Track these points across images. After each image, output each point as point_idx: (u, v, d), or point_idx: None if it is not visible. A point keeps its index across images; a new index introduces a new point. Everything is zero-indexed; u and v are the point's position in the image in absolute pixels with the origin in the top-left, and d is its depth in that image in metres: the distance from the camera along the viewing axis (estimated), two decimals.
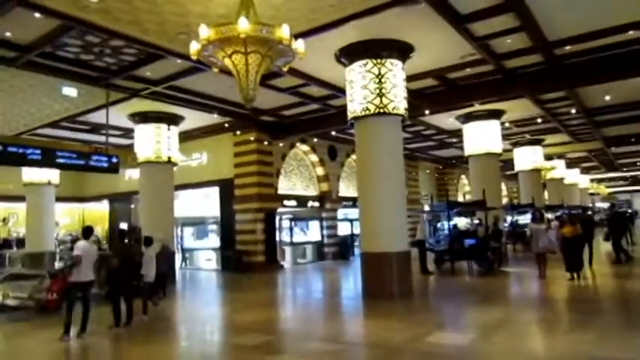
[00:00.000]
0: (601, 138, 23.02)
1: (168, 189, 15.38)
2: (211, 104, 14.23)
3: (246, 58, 6.86)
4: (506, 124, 18.60)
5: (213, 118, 15.79)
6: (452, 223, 14.33)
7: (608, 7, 9.11)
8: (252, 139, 17.04)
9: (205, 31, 6.47)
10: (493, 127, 17.25)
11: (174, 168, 16.13)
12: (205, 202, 19.36)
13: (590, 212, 30.98)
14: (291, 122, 16.88)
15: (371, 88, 9.98)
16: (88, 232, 7.54)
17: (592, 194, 52.24)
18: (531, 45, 10.52)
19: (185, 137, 17.55)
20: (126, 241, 9.14)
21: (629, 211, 26.77)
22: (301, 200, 19.69)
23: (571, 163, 32.96)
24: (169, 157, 15.09)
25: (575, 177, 37.04)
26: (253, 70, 6.99)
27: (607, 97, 14.20)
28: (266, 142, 17.23)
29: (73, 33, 8.84)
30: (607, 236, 17.93)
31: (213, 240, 19.06)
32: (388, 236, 9.93)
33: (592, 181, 46.85)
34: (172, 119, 15.17)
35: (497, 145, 17.40)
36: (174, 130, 15.43)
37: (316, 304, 10.17)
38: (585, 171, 39.36)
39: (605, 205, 47.90)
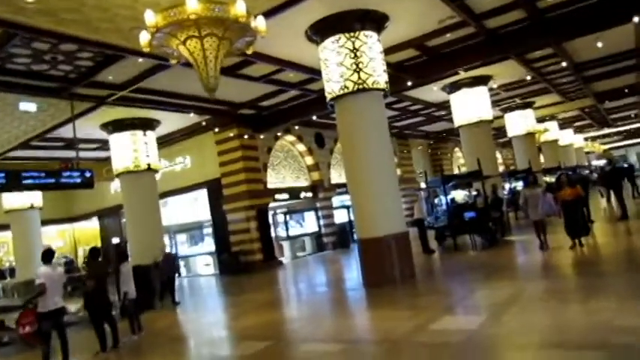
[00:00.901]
0: (592, 94, 22.49)
1: (152, 197, 14.73)
2: (186, 103, 13.55)
3: (201, 42, 6.22)
4: (495, 90, 17.99)
5: (191, 118, 15.13)
6: (449, 197, 13.75)
7: None
8: (233, 135, 16.37)
9: (152, 17, 5.81)
10: (481, 93, 16.65)
11: (157, 175, 15.52)
12: (195, 206, 18.76)
13: (586, 171, 30.56)
14: (271, 113, 16.23)
15: (347, 64, 9.33)
16: (48, 255, 6.80)
17: (588, 153, 51.91)
18: (511, 0, 9.89)
19: (165, 142, 16.94)
20: (100, 259, 8.50)
21: (626, 165, 26.30)
22: (293, 192, 19.10)
23: (564, 124, 32.46)
24: (149, 165, 14.42)
25: (569, 137, 36.56)
26: (212, 56, 6.35)
27: (599, 44, 13.51)
28: (246, 136, 16.49)
29: (17, 41, 8.14)
30: (607, 193, 17.57)
31: (209, 244, 18.48)
32: (383, 219, 9.36)
33: (586, 139, 46.45)
34: (147, 124, 14.48)
35: (487, 112, 16.82)
36: (151, 136, 14.74)
37: (317, 300, 9.62)
38: (579, 130, 38.90)
39: (602, 162, 47.57)
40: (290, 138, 19.22)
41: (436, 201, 15.54)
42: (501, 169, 28.13)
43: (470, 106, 16.61)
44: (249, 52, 7.03)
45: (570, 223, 9.77)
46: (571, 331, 4.92)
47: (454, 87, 16.50)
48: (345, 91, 9.40)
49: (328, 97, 9.85)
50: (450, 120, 19.09)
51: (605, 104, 27.09)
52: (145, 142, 14.42)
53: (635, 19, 10.17)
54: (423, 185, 22.60)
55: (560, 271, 8.25)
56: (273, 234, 18.16)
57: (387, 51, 10.96)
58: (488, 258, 10.90)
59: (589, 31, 12.54)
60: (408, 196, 26.04)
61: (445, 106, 18.81)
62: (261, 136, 17.09)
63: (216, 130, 16.47)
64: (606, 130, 43.84)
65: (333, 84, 9.59)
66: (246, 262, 16.13)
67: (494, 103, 18.69)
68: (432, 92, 17.18)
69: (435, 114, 21.66)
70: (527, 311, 6.01)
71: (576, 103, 24.68)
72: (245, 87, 12.94)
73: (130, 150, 14.11)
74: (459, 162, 32.24)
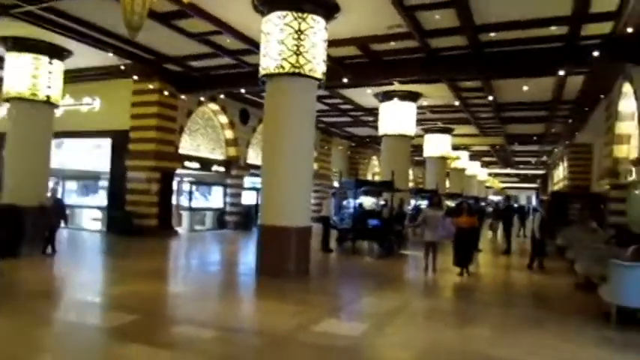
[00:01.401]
0: (504, 134, 24.20)
1: (44, 133, 13.20)
2: (106, 40, 12.22)
3: None
4: (422, 109, 18.57)
5: (109, 58, 13.71)
6: (358, 202, 13.91)
7: None
8: (153, 87, 15.15)
9: None
10: (409, 109, 17.12)
11: (57, 111, 13.94)
12: (96, 155, 17.14)
13: (483, 203, 32.94)
14: (200, 75, 15.27)
15: (288, 44, 8.91)
16: None
17: (488, 187, 56.23)
18: (458, 25, 10.12)
19: (75, 77, 15.24)
20: None
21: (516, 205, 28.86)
22: (205, 163, 18.26)
23: (473, 156, 34.71)
24: (49, 97, 12.89)
25: (475, 169, 39.26)
26: None
27: (525, 87, 14.40)
28: (167, 93, 15.32)
29: None
30: (495, 227, 19.04)
31: (101, 198, 17.03)
32: (290, 209, 9.11)
33: (489, 174, 50.23)
34: (56, 51, 12.91)
35: (411, 128, 17.34)
36: (59, 66, 13.18)
37: (204, 279, 9.12)
38: (485, 165, 41.89)
39: (498, 197, 51.73)
40: (214, 107, 18.32)
41: (345, 203, 15.66)
42: (411, 185, 29.40)
43: (396, 118, 17.01)
44: (187, 0, 6.37)
45: (459, 251, 9.86)
46: (448, 356, 5.01)
47: (386, 96, 16.76)
48: (280, 71, 8.98)
49: (262, 72, 9.36)
50: (375, 127, 19.44)
51: (513, 147, 29.40)
52: (49, 71, 12.86)
53: (561, 72, 10.90)
54: (336, 184, 22.79)
55: (444, 293, 8.58)
56: (174, 202, 17.24)
57: (331, 43, 10.67)
58: (382, 267, 11.13)
59: (518, 75, 13.35)
60: (320, 192, 26.23)
61: (374, 112, 19.10)
62: (183, 97, 15.99)
63: (135, 78, 15.13)
64: (507, 170, 47.82)
65: (269, 60, 9.12)
66: (139, 225, 15.06)
67: (419, 122, 19.32)
68: (365, 96, 17.32)
69: (362, 118, 21.93)
70: (410, 326, 6.09)
71: (489, 139, 26.48)
72: (177, 40, 11.96)
73: (28, 75, 12.49)
74: (374, 170, 33.17)
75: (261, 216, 9.45)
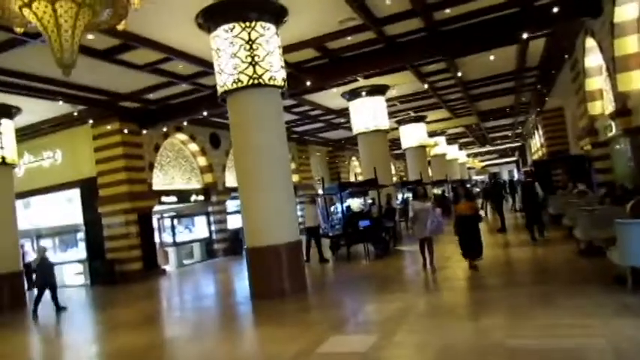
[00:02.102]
0: (476, 112, 24.13)
1: (6, 195, 12.51)
2: (53, 89, 11.65)
3: (52, 6, 5.02)
4: (392, 101, 18.33)
5: (61, 108, 13.14)
6: (345, 205, 13.49)
7: None
8: (113, 129, 14.55)
9: None
10: (379, 103, 16.84)
11: (17, 171, 13.29)
12: (68, 208, 16.40)
13: (468, 185, 32.88)
14: (159, 107, 14.75)
15: (242, 56, 8.50)
16: None
17: (469, 168, 56.45)
18: (411, 7, 9.85)
19: (30, 133, 14.65)
20: None
21: (511, 179, 28.89)
22: (183, 195, 17.66)
23: (450, 139, 34.68)
24: (3, 157, 12.23)
25: (454, 153, 39.25)
26: (67, 25, 5.18)
27: (492, 57, 14.15)
28: (126, 131, 14.71)
29: None
30: (488, 205, 18.86)
31: (81, 251, 16.27)
32: (275, 226, 8.65)
33: (469, 155, 50.40)
34: (3, 110, 12.26)
35: (384, 122, 17.06)
36: (8, 125, 12.56)
37: (197, 317, 8.55)
38: (463, 146, 41.96)
39: (480, 177, 52.04)
40: (181, 136, 17.77)
41: (332, 209, 15.24)
42: (395, 179, 29.18)
43: (368, 114, 16.71)
44: (121, 27, 5.90)
45: (466, 242, 8.64)
46: (466, 355, 4.59)
47: (353, 94, 16.46)
48: (239, 85, 8.56)
49: (220, 90, 8.93)
50: (349, 128, 19.13)
51: (487, 124, 29.43)
52: None
53: (525, 35, 10.69)
54: (320, 192, 22.38)
55: (448, 285, 8.14)
56: (157, 240, 16.59)
57: (287, 49, 10.38)
58: (380, 268, 10.71)
59: (481, 48, 13.15)
60: (305, 203, 25.77)
61: (345, 113, 18.79)
62: (144, 132, 15.35)
63: (92, 122, 14.52)
64: (485, 149, 48.08)
65: (225, 76, 8.69)
66: (122, 272, 14.37)
67: (391, 115, 19.08)
68: (332, 98, 16.99)
69: (334, 121, 21.61)
70: (419, 329, 5.66)
71: (463, 120, 26.40)
72: (126, 75, 11.47)
73: None
74: (356, 170, 32.86)
75: (247, 239, 8.95)
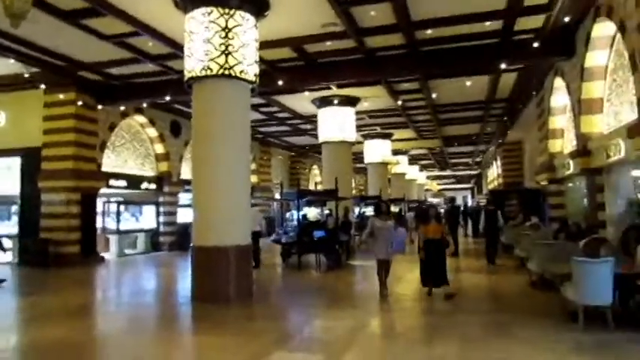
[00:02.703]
0: (441, 137, 24.50)
1: None
2: (5, 44, 10.68)
3: None
4: (361, 114, 18.23)
5: (12, 66, 12.12)
6: (302, 213, 13.16)
7: None
8: (67, 99, 13.59)
9: None
10: (348, 114, 16.70)
11: None
12: (4, 176, 15.15)
13: (424, 206, 33.31)
14: (122, 84, 13.94)
15: (215, 43, 8.05)
16: None
17: (426, 190, 57.52)
18: (395, 22, 9.73)
19: None
20: None
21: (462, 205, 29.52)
22: (133, 180, 16.78)
23: (412, 160, 35.15)
24: None
25: (414, 173, 39.84)
26: None
27: (468, 83, 14.21)
28: (80, 103, 13.72)
29: None
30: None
31: (13, 225, 15.08)
32: (227, 227, 8.17)
33: (428, 177, 51.37)
34: None
35: (351, 134, 16.93)
36: None
37: (131, 314, 7.88)
38: (423, 168, 42.68)
39: (436, 200, 53.07)
40: (141, 119, 16.93)
41: (287, 215, 14.86)
42: (354, 192, 29.16)
43: (336, 124, 16.54)
44: None
45: (430, 267, 7.99)
46: None
47: (324, 102, 16.24)
48: (208, 73, 8.09)
49: (187, 75, 8.42)
50: (315, 136, 18.90)
51: (449, 149, 29.99)
52: None
53: (503, 65, 10.82)
54: (277, 196, 21.95)
55: (401, 306, 7.92)
56: (99, 225, 15.64)
57: (263, 44, 9.97)
58: (331, 281, 10.42)
59: (455, 74, 13.25)
60: (261, 205, 25.27)
61: (312, 120, 18.55)
62: (100, 107, 14.42)
63: (45, 88, 13.51)
64: (444, 173, 49.14)
65: (194, 62, 8.21)
66: (57, 254, 13.36)
67: (358, 128, 18.99)
68: (303, 103, 16.69)
69: (301, 126, 21.30)
70: (370, 351, 5.38)
71: (427, 142, 26.77)
72: (91, 43, 10.68)
73: None
74: (317, 179, 32.65)
75: (195, 236, 8.42)
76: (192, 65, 8.24)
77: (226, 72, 8.07)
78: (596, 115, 10.04)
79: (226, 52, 8.07)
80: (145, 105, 16.06)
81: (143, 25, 9.62)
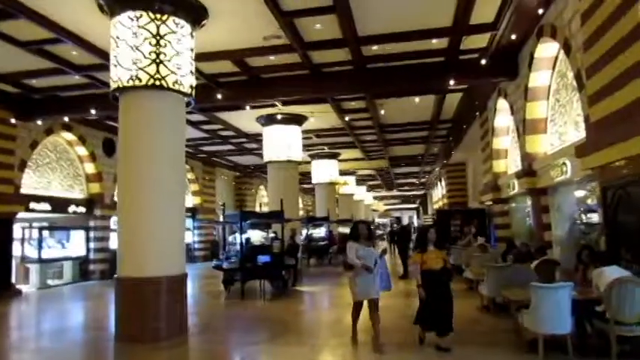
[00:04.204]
0: (387, 157, 24.54)
1: None
2: None
3: None
4: (307, 133, 17.79)
5: None
6: (245, 236, 12.34)
7: (417, 6, 8.43)
8: None
9: None
10: (294, 133, 16.21)
11: None
12: None
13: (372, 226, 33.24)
14: (43, 97, 12.67)
15: (145, 51, 7.27)
16: None
17: (374, 210, 58.02)
18: (341, 37, 9.37)
19: None
20: None
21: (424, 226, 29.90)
22: (60, 203, 15.33)
23: (360, 180, 35.17)
24: None
25: (362, 193, 39.93)
26: None
27: (417, 99, 13.89)
28: None
29: None
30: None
31: None
32: (157, 255, 7.27)
33: (375, 198, 51.80)
34: None
35: (297, 154, 16.42)
36: None
37: (39, 359, 6.77)
38: (370, 188, 42.91)
39: (382, 220, 53.57)
40: (69, 136, 15.58)
41: (230, 239, 13.98)
42: (301, 213, 28.56)
43: (281, 143, 15.99)
44: None
45: (434, 309, 6.02)
46: None
47: (269, 120, 15.66)
48: (136, 83, 7.27)
49: (112, 85, 7.56)
50: (260, 155, 18.26)
51: (396, 169, 30.22)
52: None
53: (452, 81, 10.71)
54: (221, 218, 20.92)
55: (348, 337, 7.32)
56: (17, 253, 14.03)
57: (202, 56, 9.33)
58: (277, 310, 9.65)
59: (402, 93, 13.11)
60: (204, 228, 24.09)
61: (257, 139, 17.90)
62: (12, 121, 12.96)
63: None
64: (390, 193, 49.73)
65: (121, 71, 7.37)
66: None
67: (305, 147, 18.53)
68: (247, 121, 15.99)
69: (246, 145, 20.54)
70: None
71: (374, 162, 26.76)
72: (4, 50, 9.53)
73: None
74: (263, 200, 31.80)
75: (119, 266, 7.44)
76: (119, 75, 7.40)
77: (157, 82, 7.29)
78: (541, 134, 10.10)
79: (157, 60, 7.30)
80: (65, 119, 14.68)
81: (65, 30, 8.65)
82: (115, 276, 7.47)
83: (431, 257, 6.13)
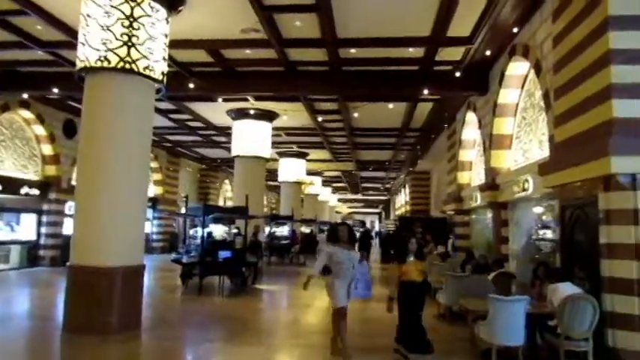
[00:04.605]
0: (355, 160, 24.69)
1: None
2: None
3: None
4: (277, 130, 17.65)
5: None
6: (207, 230, 12.09)
7: (398, 13, 8.49)
8: None
9: None
10: (265, 129, 16.03)
11: None
12: None
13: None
14: (3, 72, 12.01)
15: (116, 32, 6.98)
16: None
17: (337, 212, 58.28)
18: (320, 37, 9.33)
19: None
20: None
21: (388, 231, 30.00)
22: (12, 184, 14.56)
23: (326, 182, 35.23)
24: None
25: (327, 195, 40.03)
26: None
27: (390, 106, 13.98)
28: None
29: None
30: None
31: None
32: (114, 243, 7.00)
33: (339, 200, 52.04)
34: None
35: (266, 150, 16.26)
36: None
37: None
38: (336, 190, 43.08)
39: (349, 222, 53.82)
40: (26, 114, 14.86)
41: (191, 232, 13.68)
42: (265, 210, 28.33)
43: (251, 138, 15.78)
44: None
45: (413, 324, 5.83)
46: None
47: (240, 114, 15.43)
48: (105, 64, 6.98)
49: (79, 65, 7.23)
50: (228, 149, 17.99)
51: (362, 173, 30.43)
52: None
53: (426, 90, 10.87)
54: (183, 210, 20.48)
55: (308, 339, 7.29)
56: None
57: (176, 43, 9.06)
58: (235, 308, 9.48)
59: (375, 98, 13.18)
60: (164, 219, 23.54)
61: (227, 132, 17.61)
62: None
63: None
64: (355, 196, 50.08)
65: (89, 50, 7.05)
66: None
67: (274, 144, 18.38)
68: (217, 113, 15.71)
69: (214, 138, 20.17)
70: None
71: (341, 165, 26.86)
72: None
73: None
74: (227, 195, 31.37)
75: (72, 253, 7.11)
76: (87, 54, 7.08)
77: (128, 66, 7.02)
78: (506, 150, 10.38)
79: (129, 43, 7.03)
80: (28, 98, 14.00)
81: (31, 3, 8.23)
82: (68, 263, 7.14)
83: (411, 269, 5.79)
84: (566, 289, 5.43)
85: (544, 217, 9.29)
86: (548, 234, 8.91)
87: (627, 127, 5.12)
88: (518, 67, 9.23)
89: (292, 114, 15.27)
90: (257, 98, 13.77)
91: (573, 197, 6.13)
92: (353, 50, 9.98)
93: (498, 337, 5.36)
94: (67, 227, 16.47)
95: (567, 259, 6.37)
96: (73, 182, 16.59)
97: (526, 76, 9.35)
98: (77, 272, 6.97)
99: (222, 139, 19.56)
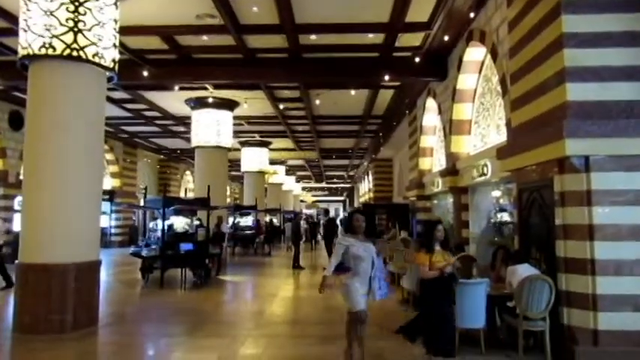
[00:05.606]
0: (318, 149, 24.64)
1: None
2: None
3: None
4: (239, 120, 17.34)
5: None
6: (167, 223, 11.76)
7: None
8: None
9: None
10: (225, 118, 15.70)
11: None
12: None
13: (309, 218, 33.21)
14: None
15: (61, 17, 6.56)
16: None
17: (301, 201, 58.23)
18: (278, 23, 9.14)
19: None
20: None
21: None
22: None
23: (289, 170, 35.07)
24: None
25: (291, 184, 39.88)
26: None
27: (353, 92, 13.79)
28: None
29: None
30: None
31: None
32: (66, 240, 6.66)
33: (303, 189, 52.00)
34: None
35: (227, 140, 15.94)
36: None
37: None
38: (299, 179, 43.00)
39: (310, 211, 53.97)
40: None
41: (151, 225, 13.28)
42: (228, 201, 27.94)
43: (211, 128, 15.44)
44: None
45: (437, 325, 4.88)
46: None
47: (199, 103, 15.03)
48: (50, 52, 6.56)
49: (21, 52, 6.78)
50: (188, 139, 17.53)
51: (326, 161, 30.46)
52: None
53: (387, 76, 10.87)
54: (142, 202, 19.88)
55: (280, 328, 7.22)
56: None
57: (127, 30, 8.66)
58: (197, 301, 9.29)
59: (336, 85, 13.10)
60: (123, 212, 22.81)
61: (185, 122, 17.15)
62: None
63: None
64: (319, 185, 50.18)
65: (32, 37, 6.61)
66: None
67: (235, 134, 18.06)
68: (175, 102, 15.24)
69: (172, 128, 19.61)
70: None
71: (304, 153, 26.77)
72: None
73: None
74: (189, 186, 30.72)
75: (22, 251, 6.74)
76: (29, 41, 6.63)
77: (75, 53, 6.62)
78: (465, 135, 10.55)
79: (75, 29, 6.63)
80: None
81: None
82: (17, 261, 6.76)
83: (437, 260, 4.92)
84: (524, 270, 5.57)
85: (502, 201, 9.55)
86: (507, 217, 9.16)
87: (581, 110, 5.24)
88: (475, 53, 9.36)
89: (253, 102, 15.01)
90: (216, 87, 13.44)
91: (530, 180, 6.27)
92: (313, 37, 9.85)
93: (461, 320, 5.45)
94: (16, 224, 15.68)
95: (525, 241, 6.53)
96: (22, 177, 15.77)
97: (483, 61, 9.49)
98: (26, 270, 6.61)
99: (181, 129, 19.06)
